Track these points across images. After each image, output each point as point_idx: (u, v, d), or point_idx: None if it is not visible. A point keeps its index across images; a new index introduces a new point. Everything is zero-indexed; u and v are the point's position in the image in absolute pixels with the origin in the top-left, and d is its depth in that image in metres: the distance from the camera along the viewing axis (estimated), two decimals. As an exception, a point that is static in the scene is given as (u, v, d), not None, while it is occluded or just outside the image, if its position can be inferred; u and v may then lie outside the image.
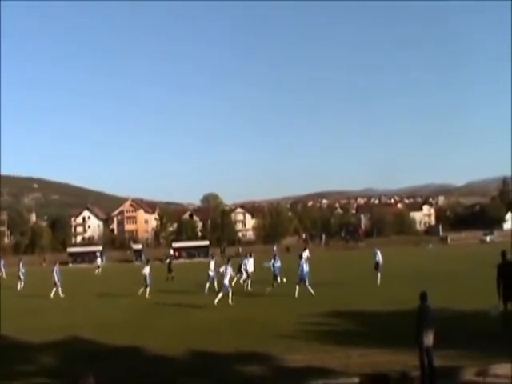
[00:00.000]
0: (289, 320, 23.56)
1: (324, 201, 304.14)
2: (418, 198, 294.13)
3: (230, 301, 30.14)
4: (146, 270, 37.71)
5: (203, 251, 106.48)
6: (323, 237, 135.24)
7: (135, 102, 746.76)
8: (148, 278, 37.30)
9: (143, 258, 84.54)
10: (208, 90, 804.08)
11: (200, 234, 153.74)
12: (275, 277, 36.14)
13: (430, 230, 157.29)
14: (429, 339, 13.04)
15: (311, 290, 31.50)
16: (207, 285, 36.89)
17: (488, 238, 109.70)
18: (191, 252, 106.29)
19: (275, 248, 46.78)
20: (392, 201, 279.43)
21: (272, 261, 37.38)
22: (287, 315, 25.06)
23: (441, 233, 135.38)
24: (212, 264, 38.32)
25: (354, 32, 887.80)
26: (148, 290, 36.87)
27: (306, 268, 32.98)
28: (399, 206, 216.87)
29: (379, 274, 37.18)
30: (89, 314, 29.72)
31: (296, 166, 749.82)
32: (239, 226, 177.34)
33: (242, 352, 17.28)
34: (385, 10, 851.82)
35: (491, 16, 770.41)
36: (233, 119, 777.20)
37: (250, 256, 39.77)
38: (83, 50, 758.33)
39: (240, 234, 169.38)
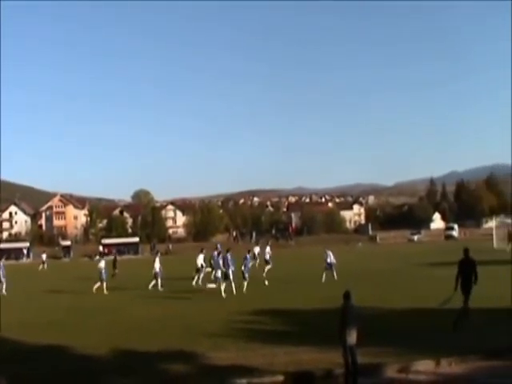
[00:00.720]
0: (218, 318, 23.50)
1: (255, 199, 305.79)
2: (349, 197, 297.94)
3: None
4: (102, 264, 37.82)
5: (133, 248, 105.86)
6: (253, 234, 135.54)
7: (66, 94, 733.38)
8: (103, 273, 37.24)
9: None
10: (145, 80, 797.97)
11: (130, 230, 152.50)
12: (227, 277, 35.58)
13: (359, 229, 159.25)
14: (352, 337, 13.21)
15: (234, 288, 31.99)
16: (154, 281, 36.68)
17: (415, 238, 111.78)
18: (121, 249, 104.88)
19: (219, 246, 46.64)
20: (323, 200, 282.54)
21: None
22: (217, 313, 25.00)
23: (370, 232, 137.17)
24: (157, 261, 37.45)
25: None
26: (105, 285, 36.79)
27: (249, 265, 33.53)
28: (330, 204, 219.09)
29: (335, 273, 37.58)
30: (17, 312, 29.06)
31: (228, 163, 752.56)
32: (170, 223, 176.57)
33: (167, 350, 17.16)
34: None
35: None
36: (165, 115, 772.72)
37: (202, 252, 39.68)
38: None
39: (171, 231, 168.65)
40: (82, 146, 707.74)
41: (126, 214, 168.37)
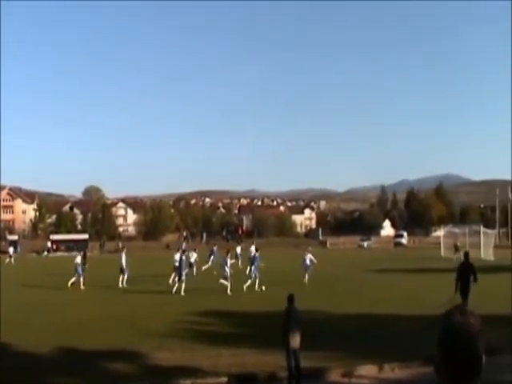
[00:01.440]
0: (165, 318, 23.44)
1: (207, 199, 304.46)
2: (301, 201, 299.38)
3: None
4: (78, 260, 37.98)
5: (82, 245, 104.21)
6: (204, 235, 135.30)
7: (12, 84, 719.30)
8: (79, 269, 37.30)
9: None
10: (96, 76, 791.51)
11: (80, 227, 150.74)
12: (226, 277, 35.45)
13: (310, 234, 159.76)
14: (295, 341, 13.28)
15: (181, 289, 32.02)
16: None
17: (365, 244, 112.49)
18: (69, 245, 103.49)
19: (215, 248, 46.98)
20: (274, 203, 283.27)
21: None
22: (165, 313, 24.91)
23: (320, 237, 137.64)
24: (124, 257, 37.95)
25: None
26: (81, 280, 36.85)
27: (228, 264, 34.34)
28: (281, 208, 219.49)
29: (307, 275, 37.52)
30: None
31: (181, 163, 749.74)
32: (120, 221, 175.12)
33: (112, 350, 17.04)
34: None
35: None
36: (117, 113, 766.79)
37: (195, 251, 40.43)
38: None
39: (121, 229, 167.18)
40: (32, 139, 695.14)
41: (76, 210, 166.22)
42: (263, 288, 33.80)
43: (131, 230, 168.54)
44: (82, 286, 36.19)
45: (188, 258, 39.77)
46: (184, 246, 44.47)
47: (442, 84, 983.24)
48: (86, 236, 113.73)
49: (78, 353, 16.88)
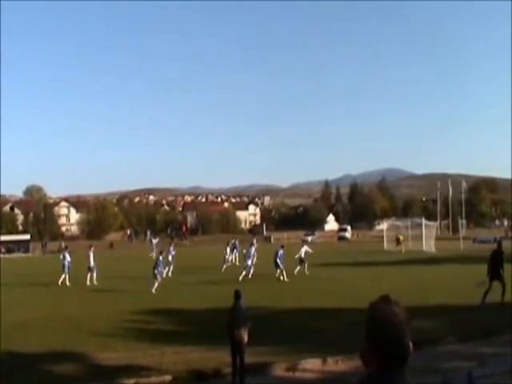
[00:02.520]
0: (108, 318, 23.11)
1: (151, 197, 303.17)
2: (245, 197, 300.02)
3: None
4: (67, 258, 38.15)
5: (23, 246, 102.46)
6: (148, 233, 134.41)
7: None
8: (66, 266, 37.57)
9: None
10: (29, 74, 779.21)
11: (21, 227, 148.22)
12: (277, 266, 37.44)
13: (254, 229, 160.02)
14: (241, 336, 13.31)
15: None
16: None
17: (309, 239, 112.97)
18: (10, 247, 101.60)
19: (254, 241, 47.66)
20: (219, 199, 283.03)
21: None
22: (108, 313, 24.52)
23: (265, 232, 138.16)
24: (91, 256, 38.65)
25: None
26: (67, 277, 37.24)
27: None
28: (226, 204, 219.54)
29: (306, 265, 39.80)
30: None
31: (124, 161, 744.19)
32: (63, 220, 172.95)
33: (52, 351, 16.75)
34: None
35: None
36: (57, 109, 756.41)
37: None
38: None
39: (64, 229, 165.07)
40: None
41: (16, 211, 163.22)
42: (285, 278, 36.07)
43: (74, 229, 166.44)
44: (67, 283, 36.93)
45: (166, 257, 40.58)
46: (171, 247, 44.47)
47: (382, 78, 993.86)
48: (27, 237, 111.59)
49: (18, 356, 16.56)
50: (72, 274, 37.33)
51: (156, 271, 32.60)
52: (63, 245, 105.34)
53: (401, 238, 66.69)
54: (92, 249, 39.98)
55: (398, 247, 64.43)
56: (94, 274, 37.58)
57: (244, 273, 36.96)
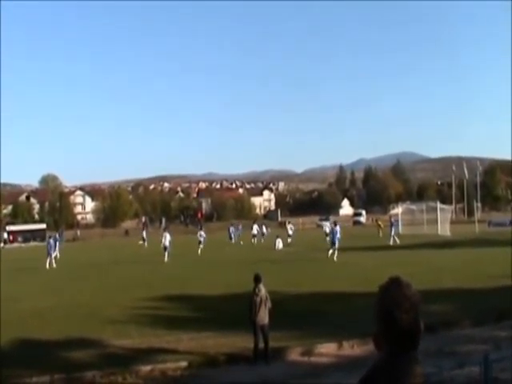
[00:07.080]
0: (123, 305, 23.15)
1: (166, 184, 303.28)
2: (259, 183, 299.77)
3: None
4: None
5: (39, 235, 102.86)
6: (163, 220, 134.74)
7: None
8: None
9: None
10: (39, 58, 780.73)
11: (37, 216, 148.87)
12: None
13: (268, 215, 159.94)
14: (262, 319, 13.44)
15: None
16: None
17: (324, 224, 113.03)
18: (27, 236, 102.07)
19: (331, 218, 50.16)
20: (233, 185, 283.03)
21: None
22: (122, 300, 24.59)
23: (279, 218, 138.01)
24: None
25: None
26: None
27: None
28: (240, 190, 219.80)
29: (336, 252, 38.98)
30: None
31: (139, 148, 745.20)
32: (79, 209, 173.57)
33: (68, 338, 16.83)
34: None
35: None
36: (73, 95, 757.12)
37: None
38: None
39: (79, 217, 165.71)
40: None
41: (32, 200, 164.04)
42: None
43: (90, 217, 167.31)
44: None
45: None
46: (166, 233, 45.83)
47: (397, 63, 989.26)
48: (43, 226, 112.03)
49: (35, 343, 16.65)
50: (91, 262, 37.53)
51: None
52: (78, 233, 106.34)
53: (380, 224, 66.81)
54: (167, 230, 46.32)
55: (380, 232, 64.43)
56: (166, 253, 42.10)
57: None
